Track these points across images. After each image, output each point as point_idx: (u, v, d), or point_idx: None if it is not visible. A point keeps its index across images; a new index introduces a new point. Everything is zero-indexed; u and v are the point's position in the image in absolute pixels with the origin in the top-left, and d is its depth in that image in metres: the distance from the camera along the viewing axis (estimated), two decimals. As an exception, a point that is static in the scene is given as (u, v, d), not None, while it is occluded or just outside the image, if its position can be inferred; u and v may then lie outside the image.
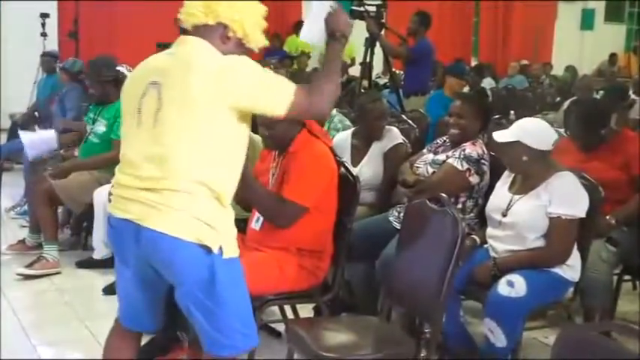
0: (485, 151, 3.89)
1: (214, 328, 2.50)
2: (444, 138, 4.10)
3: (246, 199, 3.28)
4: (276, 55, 12.31)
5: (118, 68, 5.49)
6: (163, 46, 8.16)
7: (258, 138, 3.59)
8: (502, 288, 3.21)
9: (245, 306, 2.56)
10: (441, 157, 3.95)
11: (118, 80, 5.39)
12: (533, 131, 3.39)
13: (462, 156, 3.83)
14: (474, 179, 3.81)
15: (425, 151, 4.19)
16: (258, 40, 2.65)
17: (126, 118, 2.61)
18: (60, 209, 5.56)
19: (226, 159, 2.51)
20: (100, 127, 5.34)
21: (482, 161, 3.84)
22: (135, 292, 2.66)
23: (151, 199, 2.42)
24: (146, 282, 2.61)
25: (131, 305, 2.72)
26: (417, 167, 4.03)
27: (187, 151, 2.41)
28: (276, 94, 2.48)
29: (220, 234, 2.45)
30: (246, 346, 2.62)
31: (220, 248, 2.43)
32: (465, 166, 3.80)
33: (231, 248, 2.48)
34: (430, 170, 3.94)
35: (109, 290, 4.66)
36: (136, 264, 2.56)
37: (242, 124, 2.51)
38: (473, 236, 3.61)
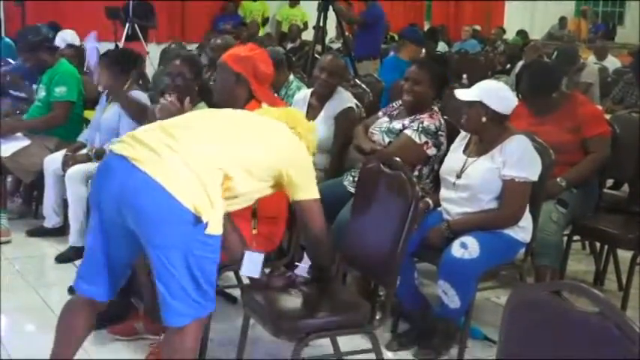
0: (443, 122, 3.85)
1: (172, 295, 2.47)
2: (399, 102, 4.07)
3: None
4: (230, 21, 12.19)
5: (44, 32, 5.42)
6: (112, 10, 8.04)
7: None
8: (455, 250, 3.24)
9: (208, 279, 2.52)
10: (397, 125, 3.90)
11: (51, 45, 5.36)
12: (496, 94, 3.39)
13: (420, 128, 3.78)
14: (431, 151, 3.80)
15: (380, 114, 4.14)
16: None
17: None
18: (9, 178, 5.47)
19: (252, 184, 2.69)
20: (42, 93, 5.33)
21: (440, 132, 3.81)
22: (95, 244, 2.63)
23: (162, 151, 2.47)
24: (110, 234, 2.59)
25: (89, 262, 2.69)
26: (373, 133, 3.99)
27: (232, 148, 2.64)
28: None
29: (214, 211, 2.46)
30: (200, 314, 2.58)
31: (207, 223, 2.43)
32: (423, 139, 3.77)
33: (216, 226, 2.48)
34: (386, 139, 3.89)
35: (62, 258, 4.62)
36: (107, 208, 2.52)
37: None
38: (426, 199, 3.62)
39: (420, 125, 3.80)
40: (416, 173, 3.79)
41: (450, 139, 3.70)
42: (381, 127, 3.98)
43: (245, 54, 3.41)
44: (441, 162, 3.72)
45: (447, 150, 3.71)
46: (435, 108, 3.94)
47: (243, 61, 3.39)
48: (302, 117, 3.02)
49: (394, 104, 4.12)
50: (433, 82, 3.91)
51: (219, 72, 3.47)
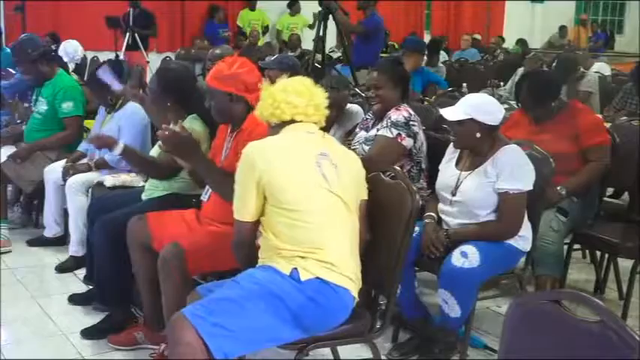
0: (412, 113, 3.95)
1: None
2: (371, 114, 4.15)
3: (198, 173, 3.31)
4: (226, 29, 12.17)
5: (43, 44, 5.44)
6: (112, 19, 8.02)
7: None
8: (456, 259, 3.23)
9: None
10: (372, 132, 4.00)
11: (50, 57, 5.35)
12: (484, 108, 3.37)
13: (388, 124, 3.89)
14: (407, 142, 3.87)
15: (357, 130, 4.24)
16: None
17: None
18: (10, 187, 5.47)
19: None
20: (42, 106, 5.26)
21: (411, 123, 3.90)
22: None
23: (352, 271, 2.72)
24: None
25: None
26: (354, 148, 4.04)
27: None
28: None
29: None
30: None
31: None
32: (395, 132, 3.86)
33: None
34: (366, 149, 3.98)
35: (62, 268, 4.61)
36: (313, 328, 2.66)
37: None
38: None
39: (389, 121, 3.91)
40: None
41: (441, 153, 3.68)
42: (360, 140, 4.07)
43: (228, 72, 3.33)
44: (436, 172, 3.71)
45: (437, 160, 3.70)
46: (404, 104, 4.00)
47: (230, 79, 3.32)
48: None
49: (367, 116, 4.22)
50: (395, 83, 4.00)
51: (211, 96, 3.40)
